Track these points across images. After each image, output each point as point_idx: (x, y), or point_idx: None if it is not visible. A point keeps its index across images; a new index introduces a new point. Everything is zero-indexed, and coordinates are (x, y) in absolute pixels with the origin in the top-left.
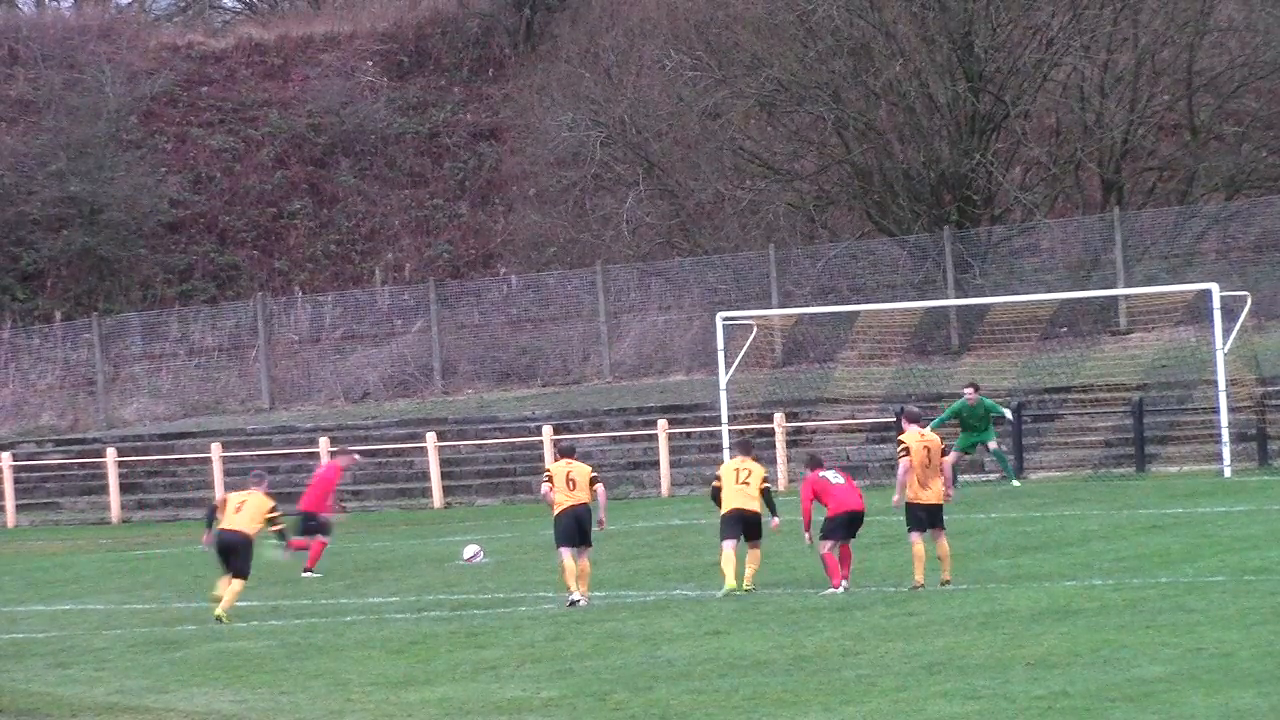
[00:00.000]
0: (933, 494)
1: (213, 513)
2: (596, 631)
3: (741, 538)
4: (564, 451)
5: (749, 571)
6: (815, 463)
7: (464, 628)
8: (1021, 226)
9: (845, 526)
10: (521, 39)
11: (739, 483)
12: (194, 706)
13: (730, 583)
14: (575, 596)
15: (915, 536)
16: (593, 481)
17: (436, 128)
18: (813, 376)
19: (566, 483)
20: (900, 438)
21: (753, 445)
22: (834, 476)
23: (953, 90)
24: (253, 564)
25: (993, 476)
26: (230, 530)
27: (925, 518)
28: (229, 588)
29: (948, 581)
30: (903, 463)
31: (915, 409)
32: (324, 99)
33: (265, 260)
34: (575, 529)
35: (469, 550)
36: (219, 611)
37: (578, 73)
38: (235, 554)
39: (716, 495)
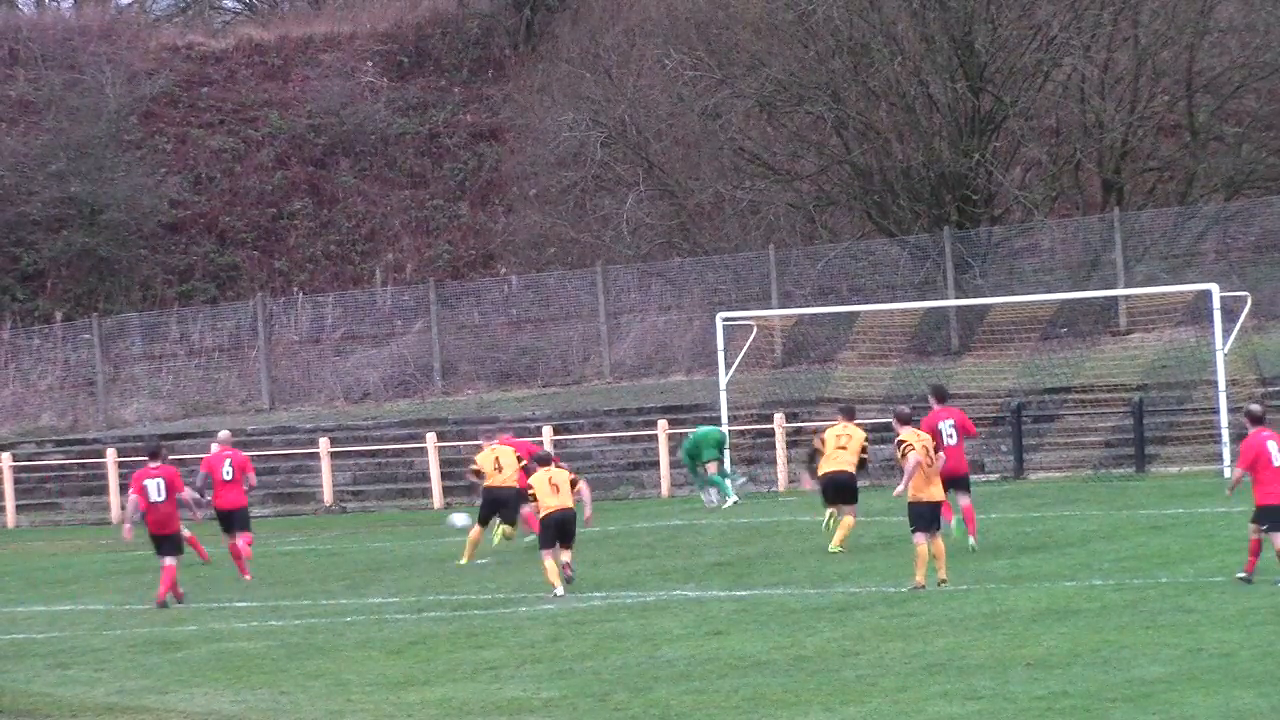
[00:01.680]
0: (937, 492)
1: (479, 473)
2: (596, 632)
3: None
4: (542, 461)
5: (839, 534)
6: (940, 395)
7: (464, 628)
8: (1021, 227)
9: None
10: (521, 39)
11: (838, 447)
12: (194, 707)
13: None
14: (560, 591)
15: (920, 537)
16: (573, 484)
17: (436, 128)
18: (813, 377)
19: (550, 488)
20: (901, 436)
21: (855, 411)
22: (948, 432)
23: (952, 90)
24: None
25: (993, 477)
26: (502, 487)
27: (929, 516)
28: (496, 532)
29: (944, 581)
30: (911, 456)
31: (906, 409)
32: (324, 99)
33: (265, 260)
34: (560, 532)
35: (459, 519)
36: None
37: (578, 73)
38: (506, 506)
39: (814, 457)
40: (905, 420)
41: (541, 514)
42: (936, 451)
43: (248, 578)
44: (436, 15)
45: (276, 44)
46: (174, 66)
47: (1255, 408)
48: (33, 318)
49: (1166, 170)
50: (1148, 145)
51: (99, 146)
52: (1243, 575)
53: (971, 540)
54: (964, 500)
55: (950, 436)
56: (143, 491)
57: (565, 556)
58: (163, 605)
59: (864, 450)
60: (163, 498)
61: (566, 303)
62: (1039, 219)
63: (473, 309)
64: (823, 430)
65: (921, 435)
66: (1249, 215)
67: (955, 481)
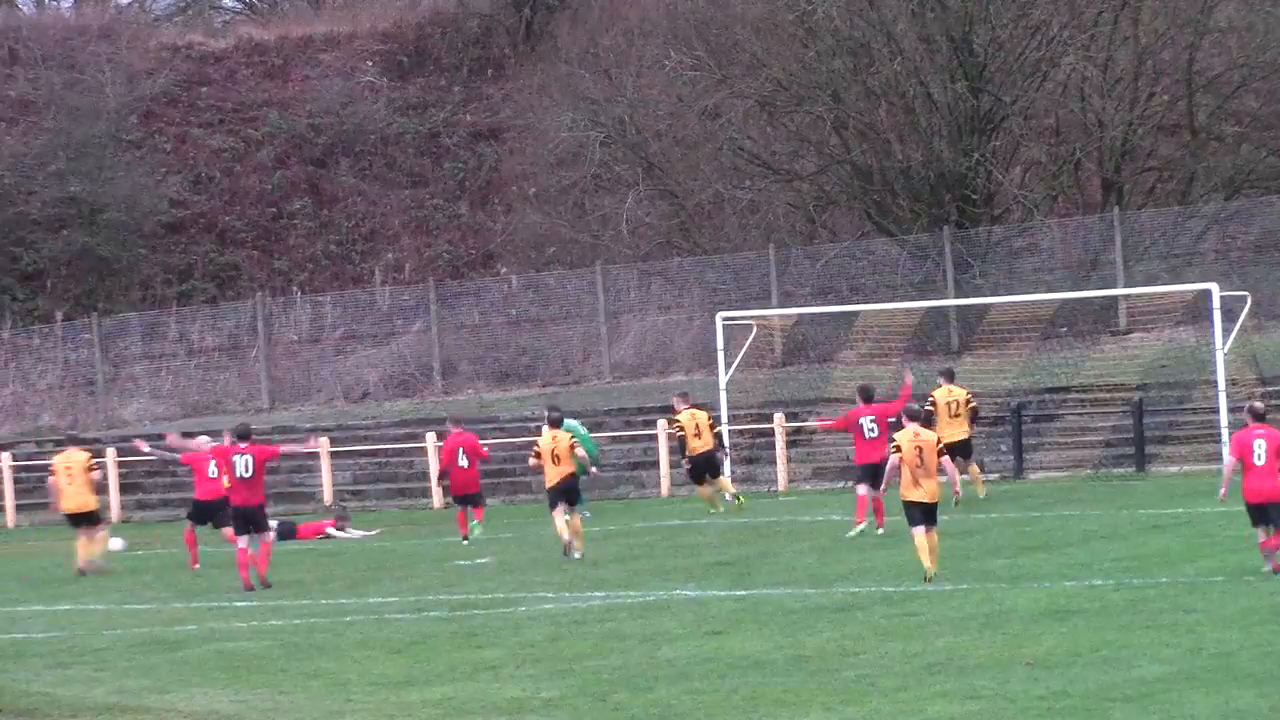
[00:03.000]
0: (925, 492)
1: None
2: (596, 631)
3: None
4: (554, 423)
5: (967, 484)
6: (866, 395)
7: (464, 628)
8: (1021, 226)
9: (869, 474)
10: (521, 39)
11: (953, 415)
12: (194, 706)
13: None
14: (575, 554)
15: (915, 530)
16: (572, 448)
17: (436, 128)
18: (813, 376)
19: (552, 459)
20: (894, 435)
21: (954, 373)
22: (869, 426)
23: (952, 90)
24: None
25: (993, 476)
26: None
27: (919, 515)
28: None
29: (929, 578)
30: (892, 459)
31: (915, 407)
32: (324, 99)
33: (265, 260)
34: (565, 496)
35: (115, 543)
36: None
37: (577, 73)
38: (571, 492)
39: (930, 419)
40: (914, 417)
41: (548, 484)
42: (942, 453)
43: (195, 567)
44: (436, 15)
45: (276, 44)
46: (174, 66)
47: (1258, 405)
48: (33, 317)
49: (1166, 170)
50: (1148, 145)
51: (99, 146)
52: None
53: (880, 529)
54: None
55: (872, 430)
56: (230, 468)
57: (576, 520)
58: (251, 588)
59: (970, 403)
60: (250, 473)
61: (566, 302)
62: (1039, 219)
63: (472, 309)
64: (930, 395)
65: (920, 433)
66: (1249, 215)
67: (875, 470)
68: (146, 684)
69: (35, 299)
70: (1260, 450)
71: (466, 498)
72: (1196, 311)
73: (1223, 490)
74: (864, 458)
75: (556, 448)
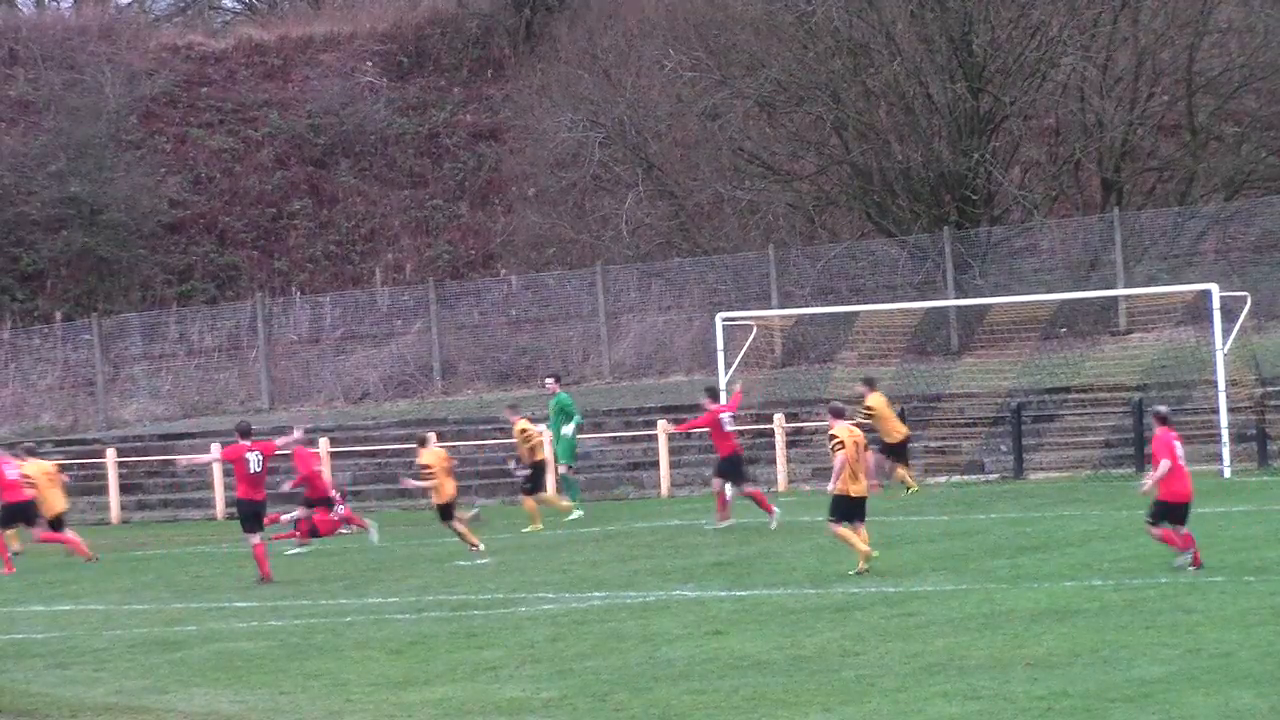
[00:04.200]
0: (860, 487)
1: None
2: (596, 632)
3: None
4: (423, 443)
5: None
6: (715, 395)
7: (464, 628)
8: (1021, 226)
9: (733, 468)
10: (521, 39)
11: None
12: (194, 707)
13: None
14: (482, 547)
15: (837, 524)
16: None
17: (436, 128)
18: (812, 377)
19: (447, 473)
20: (832, 432)
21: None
22: (728, 420)
23: (951, 90)
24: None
25: (992, 476)
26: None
27: (850, 510)
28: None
29: (864, 571)
30: (839, 455)
31: (840, 405)
32: (324, 99)
33: (265, 260)
34: (447, 510)
35: None
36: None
37: (577, 73)
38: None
39: (871, 424)
40: (839, 414)
41: (443, 499)
42: (867, 448)
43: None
44: (436, 15)
45: (276, 44)
46: (174, 66)
47: (1162, 409)
48: (33, 318)
49: (1166, 170)
50: (1147, 145)
51: (99, 146)
52: (1192, 566)
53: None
54: (748, 488)
55: (730, 424)
56: (244, 463)
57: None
58: (271, 580)
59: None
60: (260, 469)
61: (566, 303)
62: (1038, 219)
63: (472, 309)
64: (866, 405)
65: (854, 431)
66: (1249, 215)
67: (736, 466)
68: (146, 684)
69: (35, 299)
70: (1180, 451)
71: (328, 500)
72: (1196, 312)
73: (1148, 484)
74: (729, 449)
75: (445, 463)
